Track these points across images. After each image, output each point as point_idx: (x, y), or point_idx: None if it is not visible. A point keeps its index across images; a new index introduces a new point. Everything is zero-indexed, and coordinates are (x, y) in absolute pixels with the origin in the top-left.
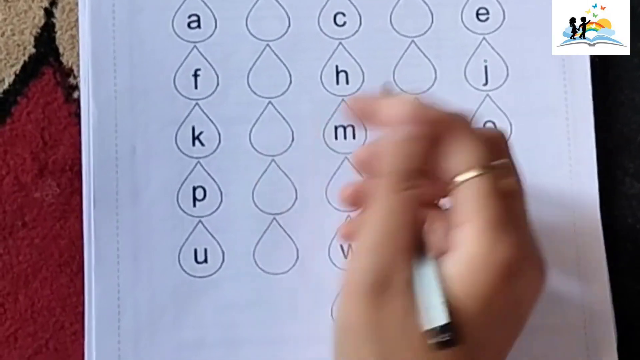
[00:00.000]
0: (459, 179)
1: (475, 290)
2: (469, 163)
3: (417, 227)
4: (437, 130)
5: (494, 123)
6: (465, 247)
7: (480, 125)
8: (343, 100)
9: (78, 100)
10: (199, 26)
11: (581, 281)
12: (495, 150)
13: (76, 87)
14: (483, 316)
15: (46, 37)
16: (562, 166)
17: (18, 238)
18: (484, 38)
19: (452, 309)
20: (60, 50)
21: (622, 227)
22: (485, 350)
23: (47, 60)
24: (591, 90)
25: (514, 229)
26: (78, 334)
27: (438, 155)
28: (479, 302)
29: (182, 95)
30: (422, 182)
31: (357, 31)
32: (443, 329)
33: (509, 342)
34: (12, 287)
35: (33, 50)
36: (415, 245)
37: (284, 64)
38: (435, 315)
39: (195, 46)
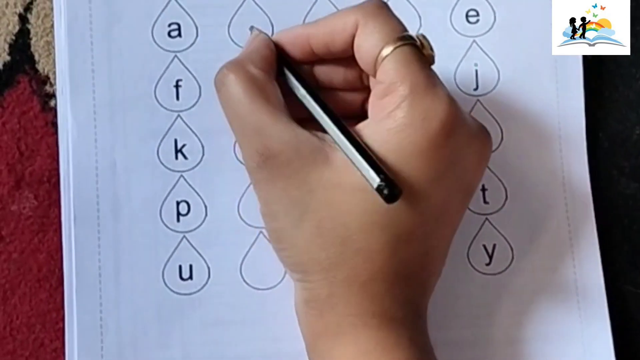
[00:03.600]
0: (384, 53)
1: (410, 150)
2: (388, 37)
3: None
4: (352, 19)
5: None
6: (396, 112)
7: None
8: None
9: (55, 109)
10: (179, 35)
11: (577, 285)
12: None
13: (53, 95)
14: (420, 173)
15: (21, 44)
16: (555, 170)
17: None
18: (474, 41)
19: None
20: (36, 57)
21: (619, 227)
22: (432, 208)
23: (23, 67)
24: (583, 93)
25: (443, 93)
26: (58, 351)
27: (360, 40)
28: (414, 161)
29: (164, 107)
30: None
31: None
32: (379, 187)
33: (457, 205)
34: None
35: (8, 58)
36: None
37: None
38: (371, 175)
39: (176, 56)
